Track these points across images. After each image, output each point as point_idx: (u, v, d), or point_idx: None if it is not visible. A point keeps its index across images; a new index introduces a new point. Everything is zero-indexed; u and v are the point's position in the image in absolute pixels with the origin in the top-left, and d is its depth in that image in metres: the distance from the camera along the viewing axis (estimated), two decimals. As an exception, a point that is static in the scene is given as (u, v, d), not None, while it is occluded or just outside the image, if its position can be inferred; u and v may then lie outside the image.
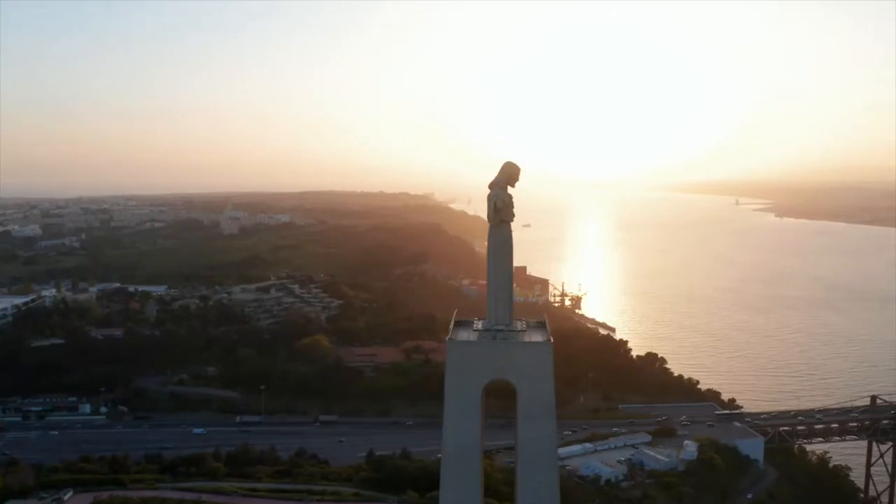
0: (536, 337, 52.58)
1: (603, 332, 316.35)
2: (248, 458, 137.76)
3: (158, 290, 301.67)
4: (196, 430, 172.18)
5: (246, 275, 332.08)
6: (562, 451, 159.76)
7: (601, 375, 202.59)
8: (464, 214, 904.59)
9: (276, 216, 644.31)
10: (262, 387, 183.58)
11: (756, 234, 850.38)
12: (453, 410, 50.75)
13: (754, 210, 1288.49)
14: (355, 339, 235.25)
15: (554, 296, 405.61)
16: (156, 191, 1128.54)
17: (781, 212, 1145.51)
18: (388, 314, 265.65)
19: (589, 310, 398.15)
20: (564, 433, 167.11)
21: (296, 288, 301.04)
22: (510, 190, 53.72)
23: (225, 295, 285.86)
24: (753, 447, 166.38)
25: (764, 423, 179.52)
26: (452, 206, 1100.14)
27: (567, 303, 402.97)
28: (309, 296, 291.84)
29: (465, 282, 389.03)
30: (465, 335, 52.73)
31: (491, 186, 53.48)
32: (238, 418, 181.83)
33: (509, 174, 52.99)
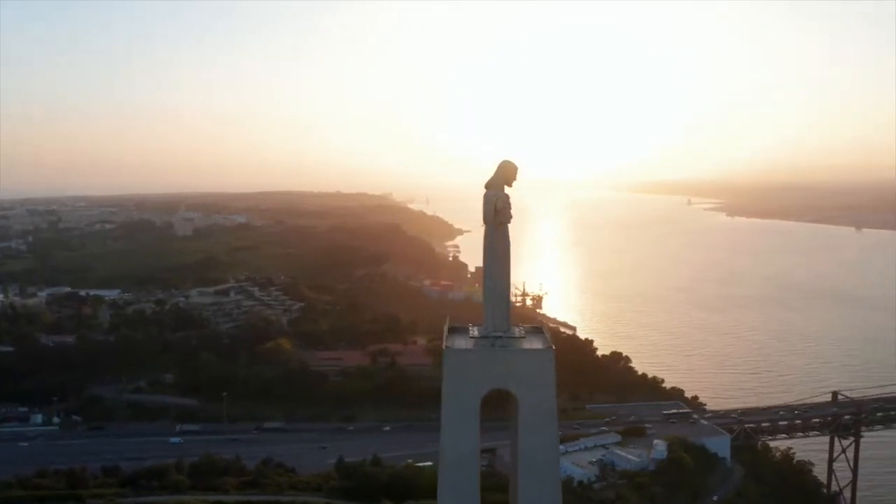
0: (536, 343, 50.33)
1: (565, 331, 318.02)
2: (212, 469, 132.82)
3: (111, 294, 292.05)
4: (172, 440, 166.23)
5: (203, 277, 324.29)
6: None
7: (568, 375, 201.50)
8: (422, 214, 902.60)
9: (232, 217, 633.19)
10: (224, 394, 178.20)
11: (708, 234, 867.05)
12: (451, 420, 48.09)
13: (706, 210, 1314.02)
14: (319, 343, 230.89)
15: (515, 295, 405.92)
16: (105, 191, 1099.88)
17: (732, 211, 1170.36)
18: (351, 316, 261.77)
19: (550, 309, 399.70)
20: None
21: (255, 290, 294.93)
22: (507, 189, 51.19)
23: (182, 298, 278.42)
24: (721, 445, 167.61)
25: (729, 421, 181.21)
26: (411, 206, 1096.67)
27: (528, 302, 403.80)
28: (269, 298, 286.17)
29: (427, 282, 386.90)
30: (461, 342, 50.22)
31: (488, 186, 50.94)
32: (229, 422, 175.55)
33: (507, 174, 50.44)
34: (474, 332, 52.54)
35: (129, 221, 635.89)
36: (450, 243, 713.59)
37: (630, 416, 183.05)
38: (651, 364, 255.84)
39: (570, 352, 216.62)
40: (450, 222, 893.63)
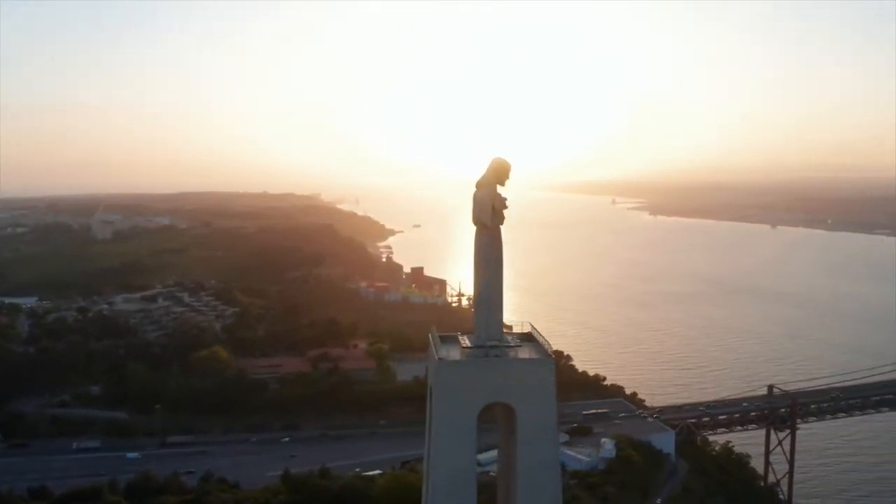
0: (533, 352, 47.63)
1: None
2: (150, 488, 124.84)
3: (28, 301, 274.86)
4: (129, 455, 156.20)
5: (127, 283, 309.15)
6: (482, 456, 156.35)
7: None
8: (353, 215, 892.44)
9: (155, 218, 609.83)
10: (157, 406, 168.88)
11: (632, 232, 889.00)
12: (445, 439, 44.84)
13: (629, 209, 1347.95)
14: (255, 349, 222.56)
15: (452, 296, 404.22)
16: (14, 193, 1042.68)
17: (654, 210, 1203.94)
18: (288, 320, 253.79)
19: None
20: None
21: (185, 296, 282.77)
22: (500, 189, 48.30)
23: (106, 305, 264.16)
24: (665, 441, 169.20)
25: (671, 417, 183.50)
26: (340, 206, 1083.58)
27: (465, 302, 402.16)
28: (200, 304, 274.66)
29: (363, 284, 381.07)
30: (452, 353, 47.02)
31: (479, 185, 47.98)
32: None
33: (500, 171, 47.59)
34: (465, 341, 49.50)
35: (42, 224, 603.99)
36: (382, 244, 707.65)
37: (576, 415, 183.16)
38: (588, 362, 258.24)
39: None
40: (381, 223, 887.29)
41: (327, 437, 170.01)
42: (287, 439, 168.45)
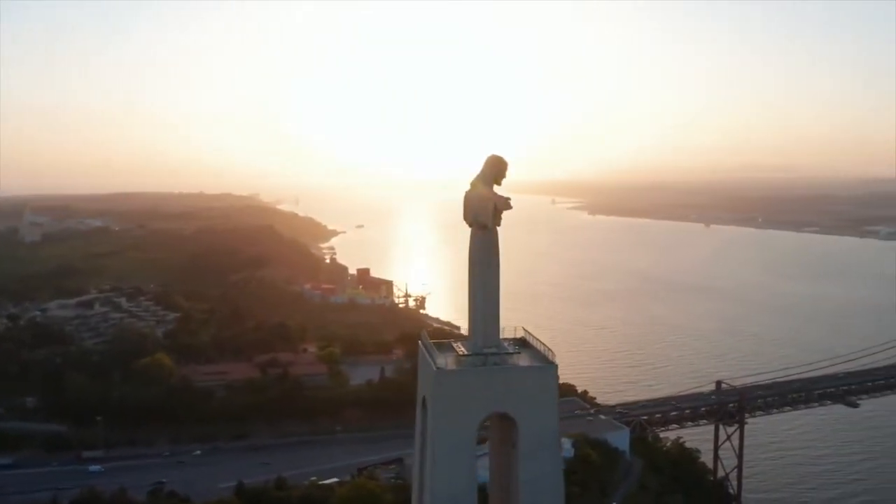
0: (534, 359, 45.43)
1: (450, 330, 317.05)
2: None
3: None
4: (92, 468, 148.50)
5: (61, 287, 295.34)
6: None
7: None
8: (294, 216, 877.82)
9: (87, 220, 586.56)
10: (98, 417, 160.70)
11: (572, 232, 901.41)
12: (444, 454, 42.16)
13: (569, 209, 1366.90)
14: (200, 356, 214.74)
15: (398, 296, 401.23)
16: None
17: (594, 210, 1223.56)
18: (233, 325, 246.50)
19: (433, 309, 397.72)
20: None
21: (123, 301, 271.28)
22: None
23: (38, 312, 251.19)
24: (620, 439, 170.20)
25: (623, 415, 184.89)
26: (280, 207, 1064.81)
27: (411, 303, 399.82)
28: (139, 309, 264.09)
29: (308, 286, 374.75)
30: (449, 361, 44.38)
31: (474, 184, 45.53)
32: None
33: (497, 169, 45.25)
34: (460, 348, 47.02)
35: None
36: (325, 245, 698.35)
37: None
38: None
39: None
40: (323, 223, 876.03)
41: (280, 446, 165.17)
42: (198, 452, 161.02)
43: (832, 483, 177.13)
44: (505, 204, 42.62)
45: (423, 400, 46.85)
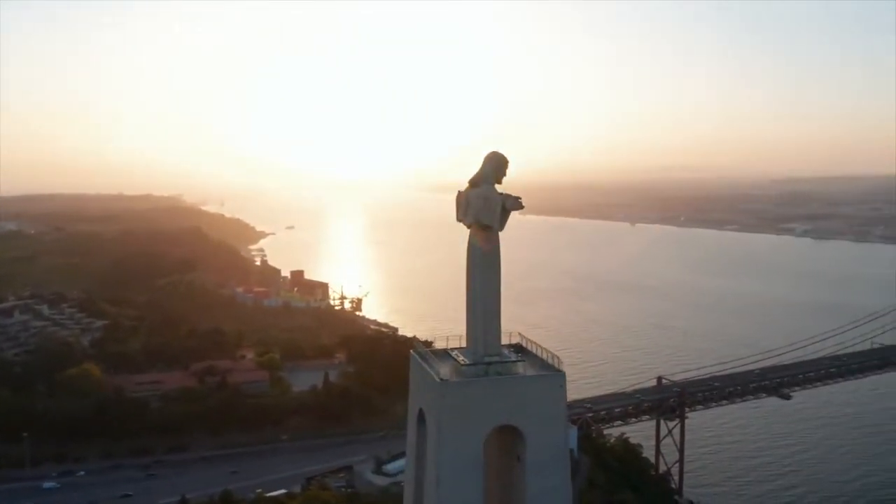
0: (537, 366, 43.31)
1: (386, 332, 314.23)
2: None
3: None
4: (46, 485, 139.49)
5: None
6: (392, 465, 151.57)
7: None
8: (222, 217, 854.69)
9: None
10: (24, 433, 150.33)
11: (505, 231, 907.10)
12: (450, 471, 39.51)
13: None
14: (131, 365, 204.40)
15: (334, 299, 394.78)
16: None
17: (524, 210, 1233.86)
18: (165, 332, 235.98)
19: (369, 311, 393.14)
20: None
21: (44, 309, 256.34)
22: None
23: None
24: (570, 438, 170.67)
25: (573, 412, 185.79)
26: (205, 208, 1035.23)
27: (348, 305, 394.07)
28: (62, 317, 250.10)
29: (240, 290, 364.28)
30: (446, 371, 41.76)
31: (474, 183, 43.24)
32: None
33: (499, 167, 43.04)
34: (459, 356, 44.48)
35: None
36: (254, 247, 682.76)
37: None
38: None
39: (409, 355, 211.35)
40: (251, 225, 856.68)
41: (220, 458, 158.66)
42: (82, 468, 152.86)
43: (769, 475, 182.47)
44: (515, 203, 40.35)
45: (419, 413, 44.02)
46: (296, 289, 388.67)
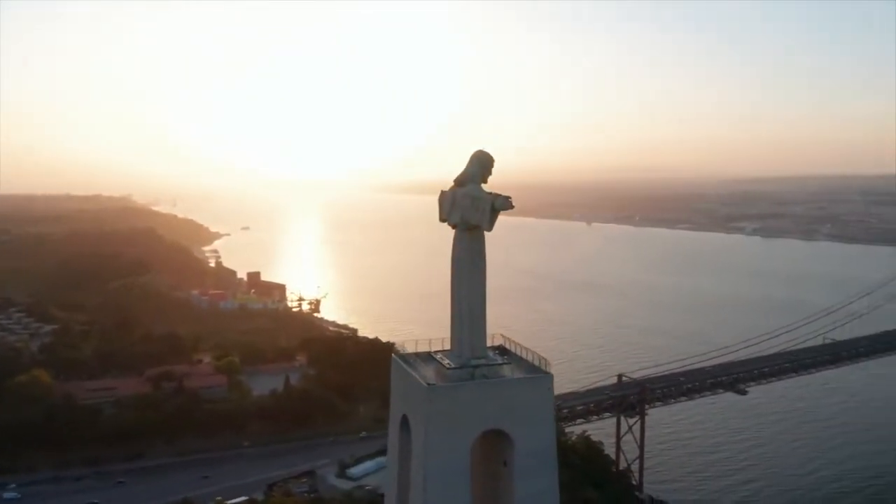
0: (523, 369, 42.58)
1: (346, 333, 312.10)
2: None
3: None
4: (7, 495, 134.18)
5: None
6: (356, 469, 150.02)
7: (375, 381, 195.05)
8: (174, 218, 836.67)
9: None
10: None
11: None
12: (438, 478, 38.55)
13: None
14: (82, 371, 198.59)
15: (292, 301, 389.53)
16: None
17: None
18: (118, 337, 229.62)
19: (328, 312, 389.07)
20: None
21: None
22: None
23: None
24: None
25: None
26: (156, 208, 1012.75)
27: (306, 307, 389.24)
28: (10, 322, 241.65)
29: (195, 292, 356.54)
30: (431, 375, 40.74)
31: (459, 182, 42.29)
32: None
33: (485, 166, 42.21)
34: (444, 359, 43.46)
35: None
36: (208, 248, 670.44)
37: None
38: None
39: (372, 357, 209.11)
40: (205, 225, 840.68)
41: (178, 465, 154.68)
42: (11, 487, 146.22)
43: (727, 470, 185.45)
44: (506, 203, 39.46)
45: (403, 419, 42.88)
46: (253, 290, 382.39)
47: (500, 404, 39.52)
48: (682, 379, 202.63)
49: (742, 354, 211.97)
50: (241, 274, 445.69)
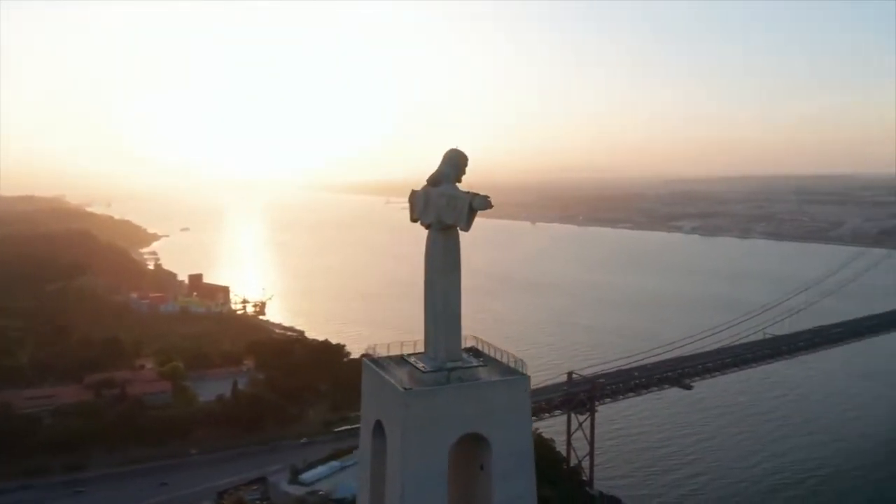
0: (500, 371, 41.91)
1: (294, 335, 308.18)
2: None
3: None
4: None
5: None
6: (308, 475, 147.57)
7: (325, 384, 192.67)
8: (110, 219, 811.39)
9: None
10: None
11: (407, 230, 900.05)
12: (416, 486, 37.51)
13: (402, 208, 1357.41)
14: (19, 379, 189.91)
15: (236, 303, 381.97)
16: None
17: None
18: (55, 343, 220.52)
19: (273, 314, 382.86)
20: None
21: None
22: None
23: None
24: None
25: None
26: (91, 209, 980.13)
27: (250, 309, 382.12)
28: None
29: (134, 295, 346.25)
30: (406, 379, 39.67)
31: (433, 181, 41.44)
32: None
33: (459, 165, 41.52)
34: (417, 362, 42.45)
35: None
36: (146, 250, 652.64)
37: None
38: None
39: (322, 359, 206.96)
40: (142, 227, 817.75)
41: (126, 475, 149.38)
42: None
43: (675, 464, 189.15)
44: (483, 202, 38.74)
45: (377, 425, 41.69)
46: (195, 293, 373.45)
47: (478, 407, 38.81)
48: (628, 376, 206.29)
49: (687, 350, 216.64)
50: (182, 276, 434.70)
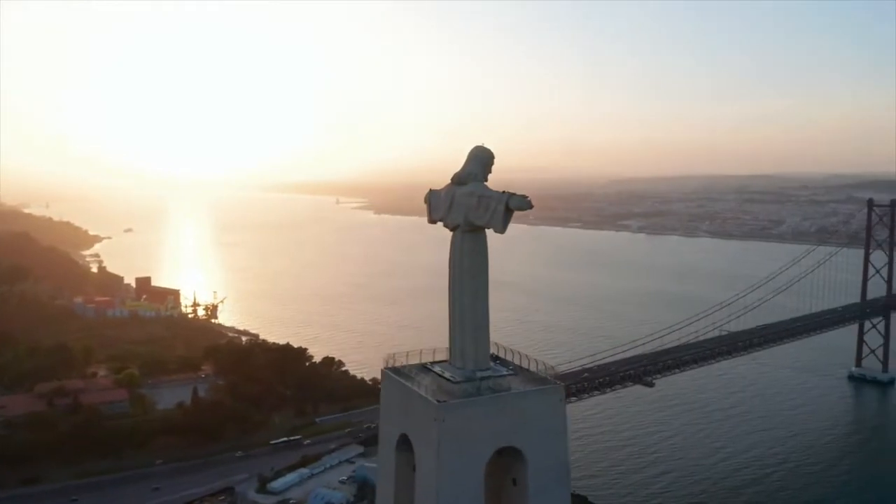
0: (531, 380, 39.89)
1: (250, 339, 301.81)
2: None
3: None
4: None
5: None
6: (277, 483, 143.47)
7: (289, 389, 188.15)
8: (50, 221, 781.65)
9: None
10: None
11: (361, 231, 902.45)
12: (451, 501, 35.23)
13: (354, 208, 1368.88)
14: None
15: (187, 306, 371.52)
16: None
17: (379, 209, 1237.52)
18: (1, 352, 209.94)
19: (226, 318, 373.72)
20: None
21: None
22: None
23: None
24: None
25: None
26: (28, 211, 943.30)
27: (202, 312, 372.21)
28: None
29: (78, 300, 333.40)
30: (433, 390, 37.31)
31: (459, 180, 39.21)
32: None
33: (486, 163, 39.45)
34: (443, 372, 40.18)
35: None
36: (88, 252, 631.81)
37: (365, 425, 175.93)
38: (352, 365, 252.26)
39: (283, 364, 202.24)
40: (84, 228, 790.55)
41: (82, 487, 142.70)
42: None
43: (641, 463, 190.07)
44: (522, 202, 36.51)
45: (402, 439, 39.29)
46: (144, 297, 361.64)
47: (513, 419, 36.83)
48: (591, 374, 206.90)
49: (647, 348, 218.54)
50: (129, 279, 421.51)
